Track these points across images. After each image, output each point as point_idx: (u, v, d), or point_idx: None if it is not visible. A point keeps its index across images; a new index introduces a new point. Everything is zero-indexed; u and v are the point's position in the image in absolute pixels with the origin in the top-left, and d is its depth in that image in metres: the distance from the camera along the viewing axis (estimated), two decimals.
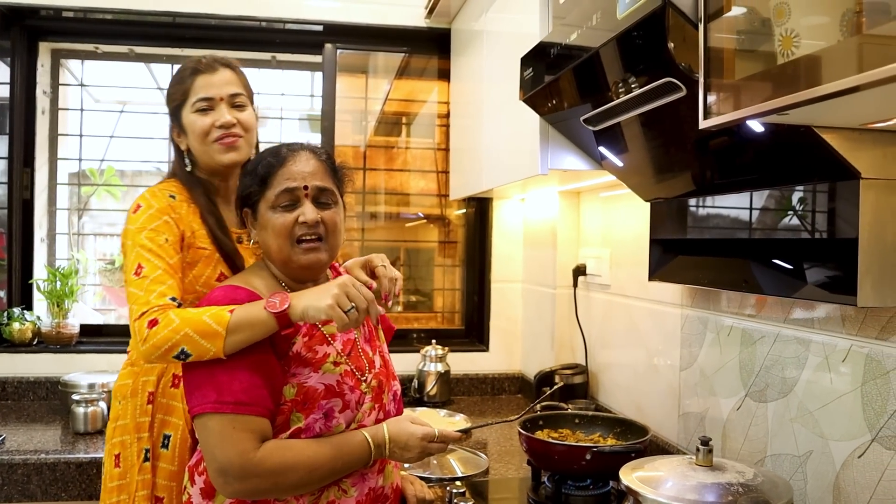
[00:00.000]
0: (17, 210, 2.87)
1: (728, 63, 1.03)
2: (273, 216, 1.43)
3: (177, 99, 1.73)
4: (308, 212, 1.42)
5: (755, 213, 1.46)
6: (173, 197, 1.66)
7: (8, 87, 2.83)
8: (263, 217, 1.45)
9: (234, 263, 1.68)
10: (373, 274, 1.66)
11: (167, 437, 1.67)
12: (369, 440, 1.40)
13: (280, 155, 1.45)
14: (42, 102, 2.99)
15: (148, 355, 1.40)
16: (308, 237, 1.43)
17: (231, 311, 1.34)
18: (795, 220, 1.35)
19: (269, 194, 1.43)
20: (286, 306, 1.33)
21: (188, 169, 1.74)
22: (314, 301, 1.34)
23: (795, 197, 1.34)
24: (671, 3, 1.08)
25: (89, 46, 3.06)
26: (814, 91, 0.84)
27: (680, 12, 1.08)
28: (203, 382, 1.34)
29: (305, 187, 1.43)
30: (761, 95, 0.95)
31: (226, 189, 1.77)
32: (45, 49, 2.99)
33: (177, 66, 1.82)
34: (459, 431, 1.52)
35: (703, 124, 1.04)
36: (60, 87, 3.08)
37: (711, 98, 1.04)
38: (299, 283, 1.49)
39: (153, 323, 1.39)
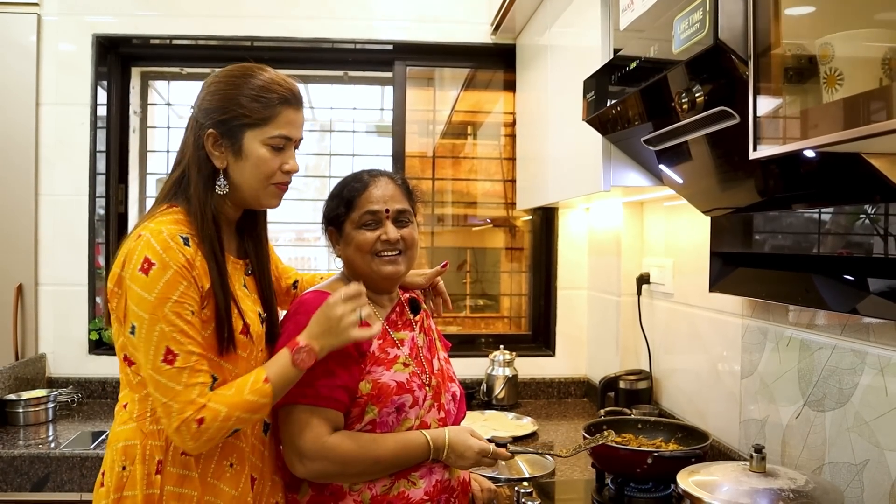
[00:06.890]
0: (113, 223, 3.09)
1: (776, 97, 1.10)
2: (357, 234, 1.60)
3: (248, 117, 1.46)
4: (390, 231, 1.60)
5: (816, 229, 1.52)
6: (187, 242, 1.39)
7: (105, 108, 3.05)
8: (348, 235, 1.62)
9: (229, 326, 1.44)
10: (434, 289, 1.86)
11: None
12: (430, 442, 1.55)
13: (363, 181, 1.63)
14: (133, 122, 3.21)
15: (199, 450, 1.37)
16: (388, 252, 1.60)
17: (266, 380, 1.39)
18: (853, 237, 1.41)
19: (353, 215, 1.61)
20: (314, 358, 1.43)
21: (221, 192, 1.48)
22: (332, 339, 1.45)
23: (852, 215, 1.39)
24: (722, 42, 1.15)
25: (175, 69, 3.27)
26: (861, 130, 0.90)
27: (730, 50, 1.15)
28: None
29: (387, 210, 1.60)
30: (808, 129, 1.02)
31: (237, 218, 1.57)
32: (135, 73, 3.22)
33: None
34: (511, 452, 1.65)
35: (753, 155, 1.12)
36: (149, 107, 3.30)
37: (760, 130, 1.11)
38: (378, 294, 1.66)
39: (201, 421, 1.32)
